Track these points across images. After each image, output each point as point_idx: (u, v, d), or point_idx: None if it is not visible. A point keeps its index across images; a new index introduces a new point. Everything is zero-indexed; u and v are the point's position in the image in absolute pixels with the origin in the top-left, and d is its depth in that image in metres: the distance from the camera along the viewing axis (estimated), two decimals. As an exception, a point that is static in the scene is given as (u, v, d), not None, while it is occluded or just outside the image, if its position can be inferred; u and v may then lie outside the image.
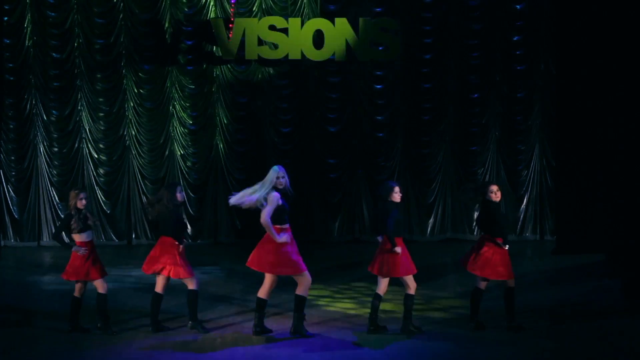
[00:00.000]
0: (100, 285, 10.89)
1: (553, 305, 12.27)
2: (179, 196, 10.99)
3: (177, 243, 10.84)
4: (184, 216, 11.23)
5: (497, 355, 10.02)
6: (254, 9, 17.84)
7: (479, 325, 10.91)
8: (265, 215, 10.38)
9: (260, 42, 17.74)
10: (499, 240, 10.80)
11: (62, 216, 10.67)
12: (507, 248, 10.80)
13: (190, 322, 10.99)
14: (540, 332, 10.80)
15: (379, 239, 10.89)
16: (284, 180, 10.54)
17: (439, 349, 10.19)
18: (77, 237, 10.84)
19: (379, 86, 18.19)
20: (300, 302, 10.65)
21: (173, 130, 18.11)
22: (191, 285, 10.93)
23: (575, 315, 11.68)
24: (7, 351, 10.13)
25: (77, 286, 10.96)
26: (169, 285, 10.99)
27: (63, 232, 11.05)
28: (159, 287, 10.95)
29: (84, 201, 10.86)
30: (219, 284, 13.95)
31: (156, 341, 10.50)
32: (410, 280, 10.83)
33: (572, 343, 10.32)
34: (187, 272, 10.86)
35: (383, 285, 10.84)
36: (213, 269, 15.33)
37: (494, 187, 10.96)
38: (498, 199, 10.94)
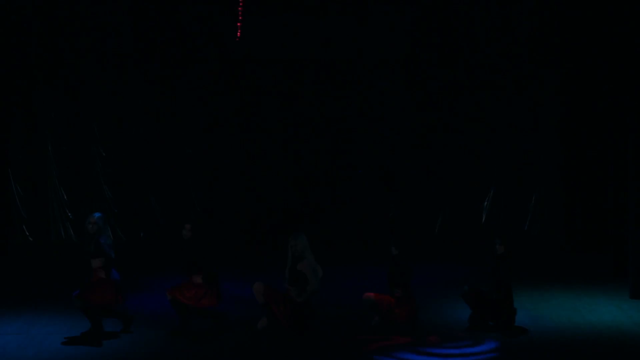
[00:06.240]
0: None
1: (560, 304, 12.28)
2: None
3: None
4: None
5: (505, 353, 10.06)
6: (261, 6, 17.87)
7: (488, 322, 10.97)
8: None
9: (267, 40, 17.77)
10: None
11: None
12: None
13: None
14: (547, 331, 10.81)
15: None
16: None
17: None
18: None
19: (386, 84, 18.19)
20: None
21: (181, 128, 18.15)
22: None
23: (582, 313, 11.69)
24: (16, 350, 10.17)
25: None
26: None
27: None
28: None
29: None
30: (227, 282, 13.95)
31: (164, 340, 10.54)
32: None
33: (578, 342, 10.34)
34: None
35: None
36: (220, 266, 15.33)
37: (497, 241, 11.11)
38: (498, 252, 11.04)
